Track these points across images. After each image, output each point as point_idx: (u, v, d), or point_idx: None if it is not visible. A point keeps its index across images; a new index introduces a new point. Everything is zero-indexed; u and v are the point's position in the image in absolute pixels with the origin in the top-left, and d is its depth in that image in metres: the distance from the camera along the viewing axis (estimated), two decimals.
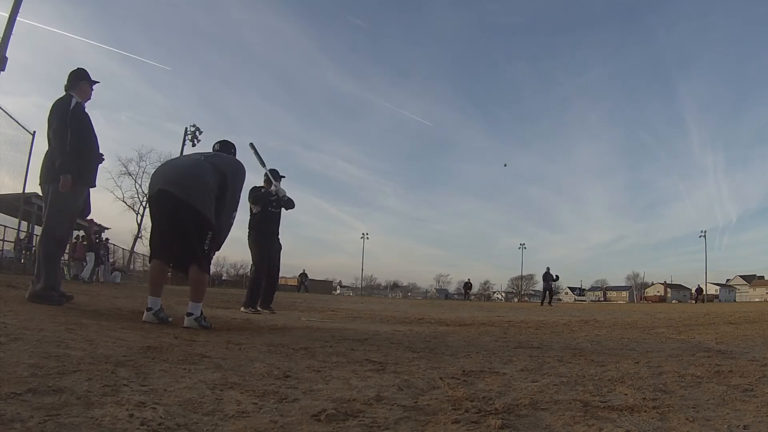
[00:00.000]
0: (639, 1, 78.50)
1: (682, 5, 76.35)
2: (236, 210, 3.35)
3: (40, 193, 4.08)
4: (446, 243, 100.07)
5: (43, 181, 3.87)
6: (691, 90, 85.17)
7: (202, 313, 3.09)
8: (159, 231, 3.18)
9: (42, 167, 3.87)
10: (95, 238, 15.65)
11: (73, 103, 3.85)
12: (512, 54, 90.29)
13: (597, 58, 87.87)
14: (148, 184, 3.34)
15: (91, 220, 16.06)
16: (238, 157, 3.63)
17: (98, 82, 4.16)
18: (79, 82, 3.99)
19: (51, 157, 3.78)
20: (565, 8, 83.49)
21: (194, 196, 3.02)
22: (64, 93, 3.93)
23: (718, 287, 62.77)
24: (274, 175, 5.58)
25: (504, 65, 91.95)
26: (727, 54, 79.47)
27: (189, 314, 3.04)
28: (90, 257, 14.65)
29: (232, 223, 3.33)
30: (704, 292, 33.46)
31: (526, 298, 61.33)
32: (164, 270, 3.25)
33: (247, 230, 5.73)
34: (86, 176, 3.96)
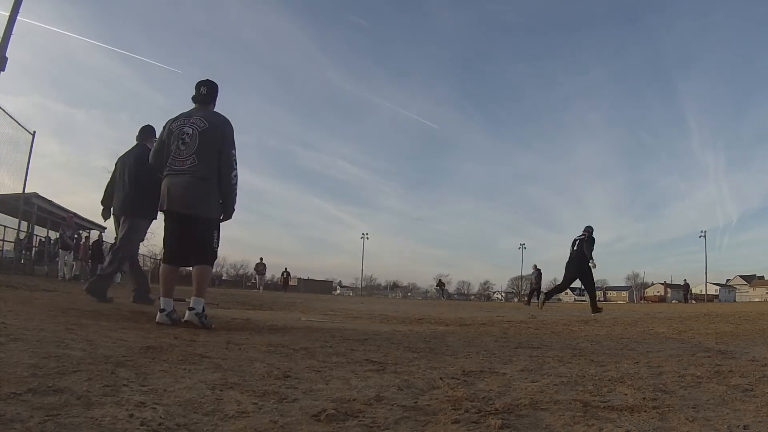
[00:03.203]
0: (639, 1, 78.35)
1: (682, 5, 76.04)
2: (236, 168, 3.22)
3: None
4: (446, 243, 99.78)
5: (127, 214, 4.79)
6: (692, 90, 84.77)
7: (204, 309, 3.10)
8: (170, 244, 3.25)
9: (127, 200, 4.79)
10: (71, 237, 15.04)
11: None
12: (512, 54, 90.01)
13: (597, 58, 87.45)
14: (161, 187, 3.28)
15: (71, 215, 15.63)
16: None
17: None
18: (152, 137, 4.91)
19: (137, 195, 4.68)
20: (565, 8, 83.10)
21: (201, 207, 3.12)
22: (137, 143, 5.12)
23: (718, 287, 62.70)
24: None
25: (504, 65, 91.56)
26: (727, 54, 79.16)
27: (191, 309, 3.05)
28: (63, 254, 14.19)
29: (235, 185, 3.22)
30: (691, 291, 31.26)
31: (526, 299, 61.24)
32: (175, 272, 3.32)
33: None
34: None
